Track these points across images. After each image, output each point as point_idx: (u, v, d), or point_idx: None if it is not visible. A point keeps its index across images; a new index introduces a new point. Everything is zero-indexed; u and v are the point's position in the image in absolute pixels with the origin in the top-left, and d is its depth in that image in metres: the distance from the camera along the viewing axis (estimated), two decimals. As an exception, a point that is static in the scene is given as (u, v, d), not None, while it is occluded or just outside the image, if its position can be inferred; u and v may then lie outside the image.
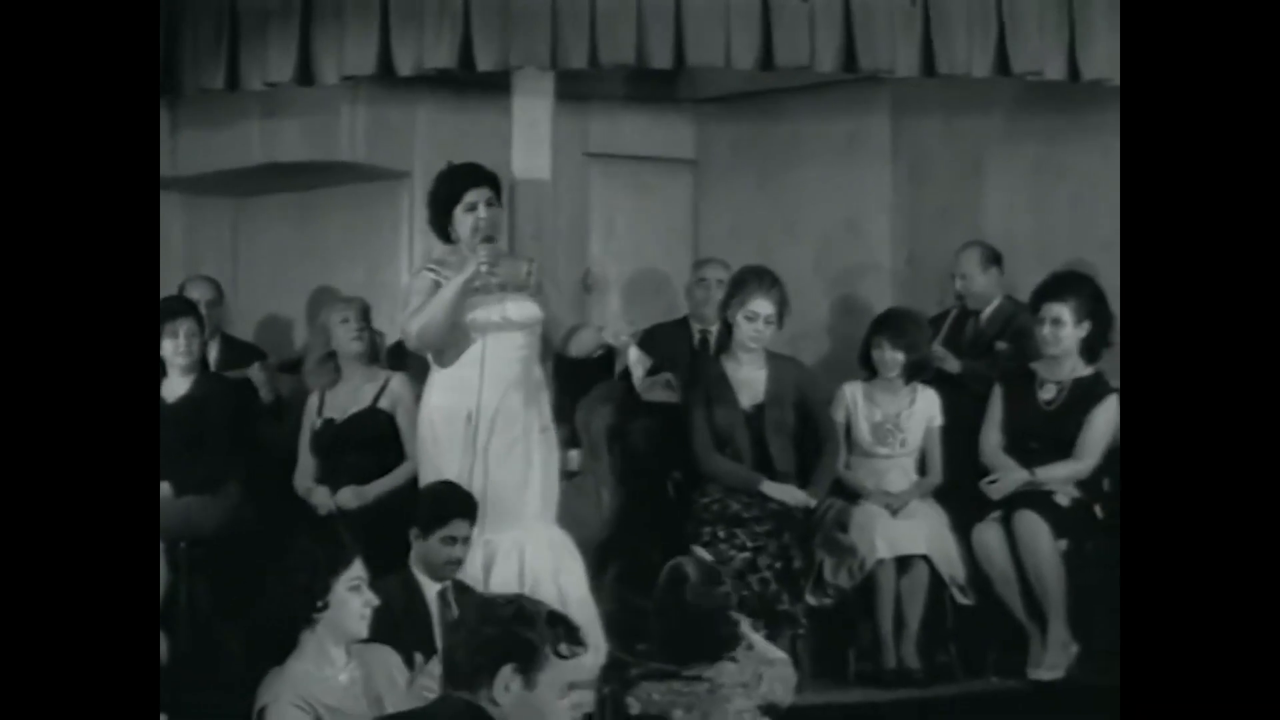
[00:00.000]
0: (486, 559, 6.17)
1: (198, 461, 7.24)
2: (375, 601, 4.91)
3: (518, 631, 3.56)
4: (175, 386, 7.39)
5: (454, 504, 5.97)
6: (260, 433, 7.80)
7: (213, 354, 8.10)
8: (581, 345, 6.70)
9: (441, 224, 6.58)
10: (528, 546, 6.24)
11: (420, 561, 5.91)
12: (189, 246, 9.22)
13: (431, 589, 5.88)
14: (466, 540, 5.93)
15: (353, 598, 4.92)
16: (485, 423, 6.37)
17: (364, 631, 4.83)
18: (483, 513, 6.11)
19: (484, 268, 6.39)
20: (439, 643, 5.56)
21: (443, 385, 6.51)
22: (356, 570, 4.99)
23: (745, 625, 5.25)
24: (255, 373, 8.00)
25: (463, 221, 6.49)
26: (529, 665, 3.55)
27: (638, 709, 4.79)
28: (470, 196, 6.49)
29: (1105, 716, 3.67)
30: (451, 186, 6.56)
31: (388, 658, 4.88)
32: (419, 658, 5.03)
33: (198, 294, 8.03)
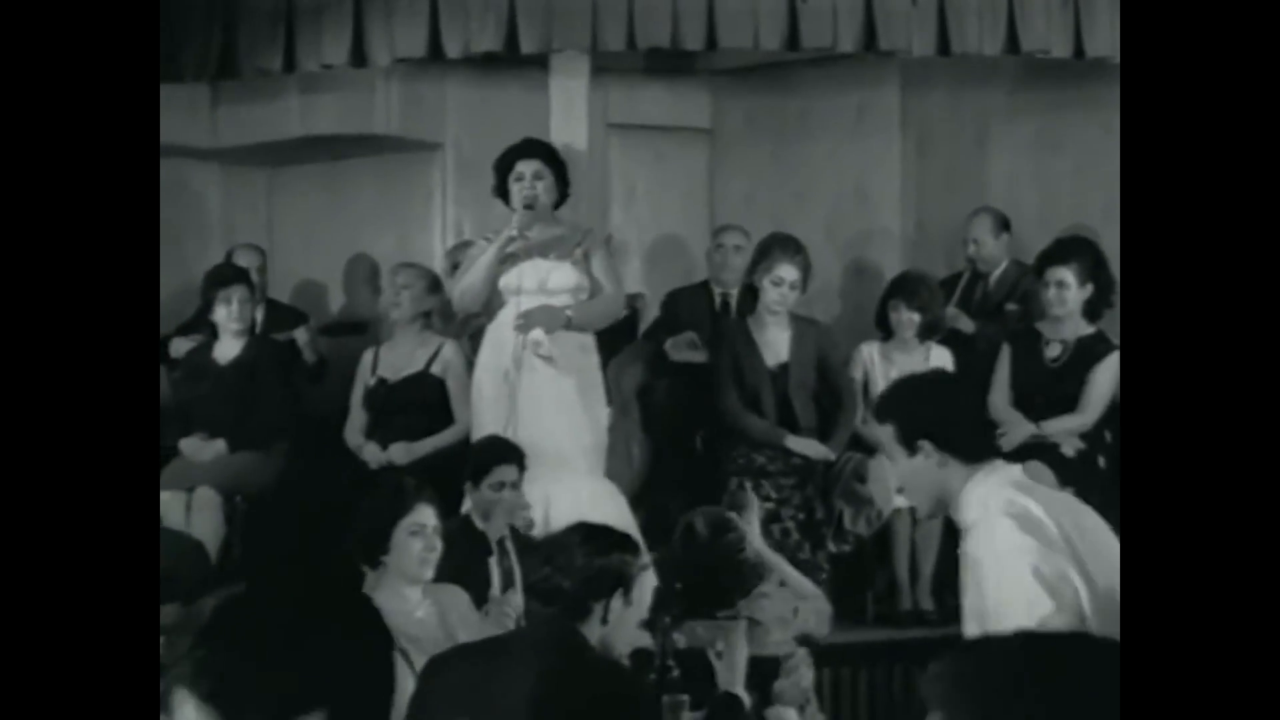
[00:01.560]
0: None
1: (250, 420, 7.64)
2: (438, 546, 5.28)
3: (624, 558, 3.99)
4: (227, 349, 7.79)
5: (498, 451, 6.30)
6: (305, 392, 8.21)
7: (258, 318, 8.47)
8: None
9: (501, 192, 6.99)
10: (554, 499, 6.54)
11: (478, 511, 6.23)
12: (226, 215, 9.54)
13: (491, 538, 6.18)
14: (515, 485, 6.22)
15: (413, 542, 5.29)
16: (516, 381, 6.75)
17: (428, 574, 5.16)
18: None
19: (514, 233, 6.82)
20: (496, 586, 5.96)
21: (488, 344, 6.93)
22: (417, 516, 5.35)
23: (783, 563, 5.63)
24: (300, 335, 8.39)
25: (513, 190, 6.90)
26: (630, 587, 3.99)
27: (683, 643, 5.17)
28: (520, 167, 6.90)
29: (1105, 657, 4.01)
30: (506, 157, 6.98)
31: (458, 596, 5.25)
32: (493, 591, 5.40)
33: (246, 261, 8.38)
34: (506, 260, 6.86)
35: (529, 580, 4.10)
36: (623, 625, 4.01)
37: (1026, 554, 3.78)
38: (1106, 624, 3.62)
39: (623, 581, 3.99)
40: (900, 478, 4.14)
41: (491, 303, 7.02)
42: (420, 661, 4.86)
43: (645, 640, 4.71)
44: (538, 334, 6.74)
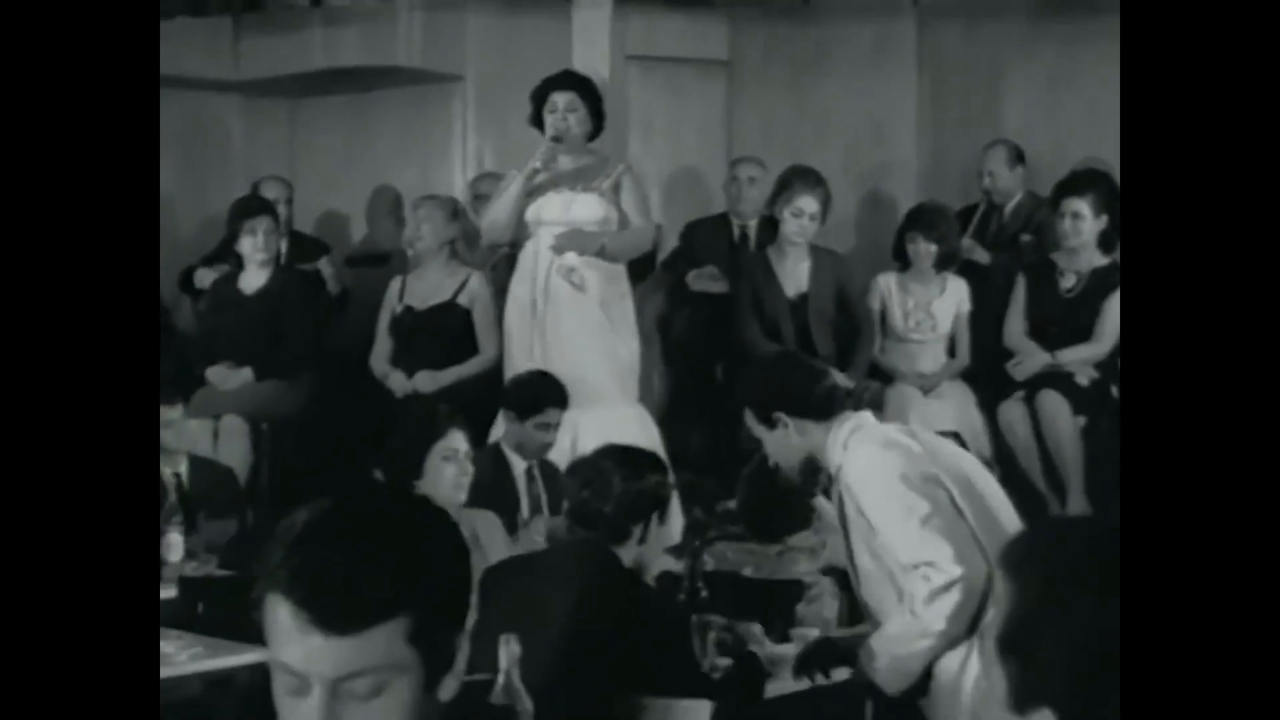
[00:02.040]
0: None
1: (276, 349, 7.77)
2: (470, 470, 5.41)
3: (659, 480, 4.13)
4: (253, 280, 7.90)
5: (549, 393, 6.40)
6: (329, 322, 8.33)
7: (283, 249, 8.56)
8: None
9: (537, 121, 7.11)
10: (583, 427, 6.65)
11: (513, 443, 6.35)
12: (248, 147, 9.64)
13: (519, 467, 6.34)
14: (557, 426, 6.36)
15: (446, 467, 5.42)
16: (544, 311, 6.89)
17: (461, 498, 5.29)
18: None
19: (537, 165, 6.94)
20: (525, 512, 6.10)
21: (517, 275, 7.05)
22: (450, 441, 5.48)
23: (819, 497, 5.76)
24: (324, 265, 8.51)
25: (547, 121, 7.00)
26: (666, 510, 4.13)
27: (711, 565, 5.31)
28: (554, 98, 7.01)
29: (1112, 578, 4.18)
30: (541, 89, 7.09)
31: (491, 521, 5.39)
32: (522, 515, 5.53)
33: (272, 193, 8.47)
34: (534, 192, 6.97)
35: (569, 504, 4.20)
36: (656, 544, 4.16)
37: (892, 466, 4.25)
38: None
39: (659, 504, 4.13)
40: (770, 452, 4.51)
41: (519, 234, 7.13)
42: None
43: (672, 563, 4.83)
44: (570, 258, 6.86)
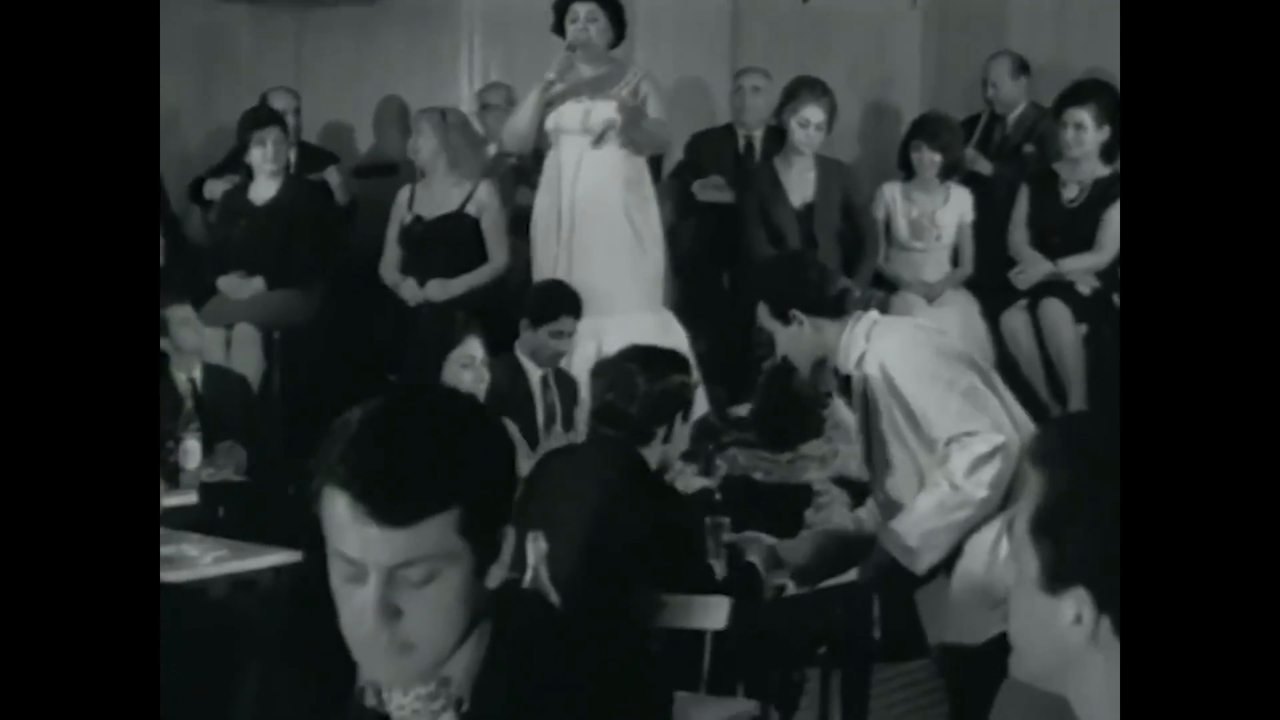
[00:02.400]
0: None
1: (287, 258, 7.85)
2: (486, 377, 5.53)
3: (683, 380, 4.24)
4: (263, 190, 7.97)
5: (563, 301, 6.52)
6: (338, 232, 8.41)
7: (292, 159, 8.62)
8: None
9: (559, 29, 7.18)
10: (608, 333, 6.72)
11: (528, 350, 6.45)
12: (255, 57, 9.63)
13: (535, 374, 6.45)
14: (572, 334, 6.49)
15: (464, 373, 5.55)
16: (569, 220, 6.97)
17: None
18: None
19: (551, 76, 7.01)
20: (540, 419, 6.22)
21: (543, 185, 7.13)
22: (468, 349, 5.60)
23: (842, 406, 5.86)
24: (332, 176, 8.58)
25: (568, 30, 7.06)
26: (690, 409, 4.25)
27: (724, 470, 5.44)
28: (575, 8, 7.06)
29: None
30: None
31: (509, 427, 5.50)
32: (539, 423, 5.64)
33: (280, 104, 8.51)
34: (555, 101, 7.04)
35: (594, 404, 4.31)
36: (679, 442, 4.27)
37: (926, 343, 4.44)
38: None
39: (683, 404, 4.23)
40: (781, 346, 4.57)
41: (542, 144, 7.21)
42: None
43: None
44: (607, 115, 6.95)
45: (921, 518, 4.27)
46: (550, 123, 7.11)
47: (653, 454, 4.18)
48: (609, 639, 2.26)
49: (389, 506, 2.01)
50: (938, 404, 4.22)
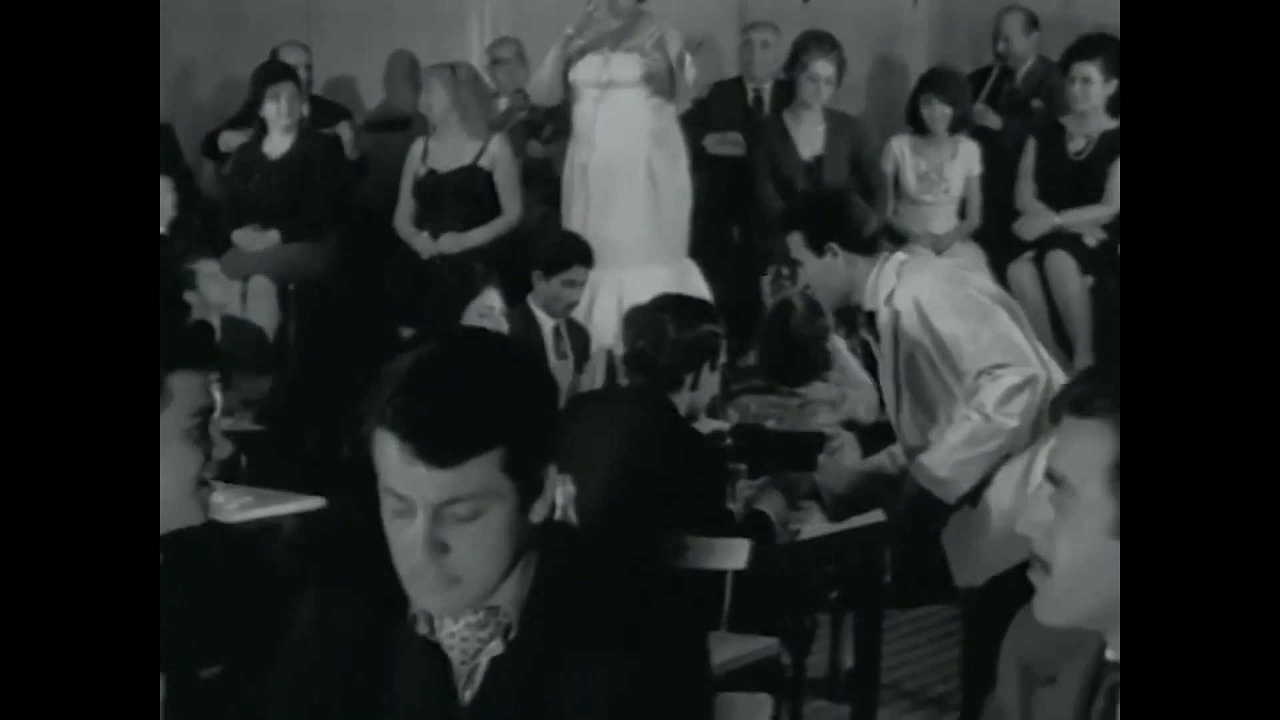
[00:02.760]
0: (590, 294, 6.83)
1: (302, 211, 7.94)
2: (504, 326, 5.64)
3: (711, 329, 4.34)
4: (277, 144, 8.06)
5: (574, 251, 6.61)
6: (351, 185, 8.49)
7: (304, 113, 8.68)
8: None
9: None
10: (630, 285, 6.82)
11: (541, 301, 6.54)
12: (266, 12, 9.67)
13: (547, 325, 6.54)
14: (583, 284, 6.57)
15: (482, 324, 5.67)
16: (596, 172, 7.06)
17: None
18: (596, 249, 6.79)
19: (570, 32, 7.08)
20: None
21: (573, 139, 7.22)
22: (487, 299, 5.71)
23: (844, 350, 5.97)
24: (344, 130, 8.65)
25: None
26: (717, 357, 4.34)
27: (735, 418, 5.54)
28: None
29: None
30: None
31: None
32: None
33: (292, 59, 8.57)
34: (579, 53, 7.10)
35: (625, 351, 4.42)
36: (707, 389, 4.37)
37: (961, 279, 4.50)
38: None
39: (711, 352, 4.33)
40: (810, 277, 4.62)
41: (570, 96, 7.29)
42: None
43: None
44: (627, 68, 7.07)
45: (953, 449, 4.33)
46: (574, 75, 7.18)
47: (681, 401, 4.28)
48: (649, 572, 2.36)
49: (435, 448, 2.10)
50: (971, 336, 4.29)
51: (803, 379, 5.72)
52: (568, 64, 7.20)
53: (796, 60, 7.79)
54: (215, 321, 6.81)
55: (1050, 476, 1.97)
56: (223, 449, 2.68)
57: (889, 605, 5.56)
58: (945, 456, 4.35)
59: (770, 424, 5.62)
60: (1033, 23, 8.43)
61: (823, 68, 7.71)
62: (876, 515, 4.74)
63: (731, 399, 5.57)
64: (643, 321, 4.39)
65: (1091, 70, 7.63)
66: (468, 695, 2.24)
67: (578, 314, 6.75)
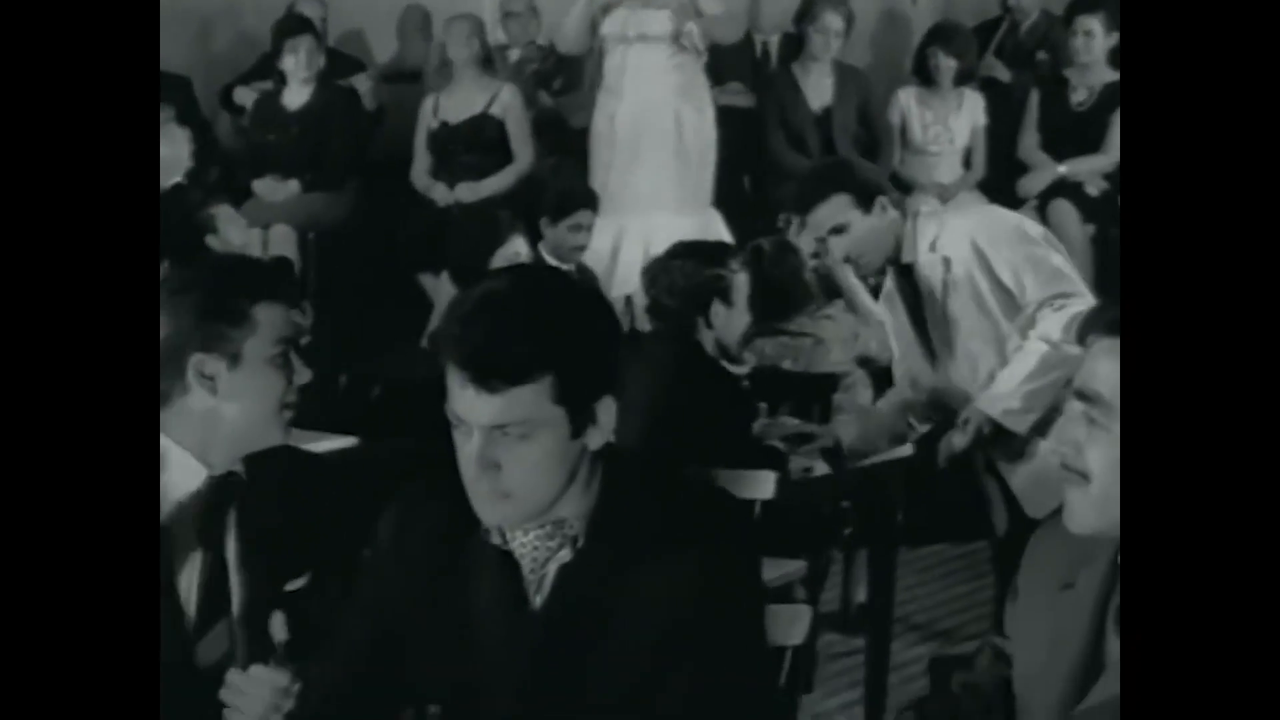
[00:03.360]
0: (615, 242, 7.01)
1: (321, 161, 8.10)
2: None
3: (717, 271, 4.52)
4: (296, 96, 8.20)
5: (578, 196, 6.73)
6: (368, 135, 8.64)
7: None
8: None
9: None
10: (655, 231, 6.98)
11: (550, 247, 6.66)
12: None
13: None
14: (589, 228, 6.68)
15: None
16: (623, 123, 7.23)
17: None
18: (621, 201, 7.00)
19: None
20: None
21: (602, 89, 7.38)
22: (513, 246, 5.88)
23: (858, 288, 6.13)
24: (361, 82, 8.80)
25: None
26: (728, 293, 4.53)
27: (753, 361, 5.71)
28: None
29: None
30: None
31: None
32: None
33: (310, 12, 8.71)
34: (605, 9, 7.24)
35: (647, 301, 4.60)
36: (730, 325, 4.56)
37: (1014, 216, 4.67)
38: None
39: (718, 290, 4.51)
40: (858, 237, 4.62)
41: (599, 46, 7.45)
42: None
43: None
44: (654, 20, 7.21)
45: (1023, 379, 4.41)
46: (605, 29, 7.32)
47: (706, 340, 4.47)
48: (704, 489, 2.57)
49: (484, 375, 2.29)
50: (1034, 268, 4.39)
51: (789, 314, 5.87)
52: (595, 16, 7.33)
53: (806, 14, 7.96)
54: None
55: (1082, 395, 2.12)
56: (302, 375, 2.83)
57: (901, 543, 5.72)
58: (1016, 387, 4.42)
59: (786, 364, 5.80)
60: None
61: (832, 21, 7.89)
62: (899, 450, 4.90)
63: (747, 343, 5.75)
64: (656, 270, 4.57)
65: (1094, 23, 7.81)
66: (538, 600, 2.44)
67: (602, 263, 6.91)
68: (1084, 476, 2.12)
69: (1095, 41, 7.83)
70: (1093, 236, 7.78)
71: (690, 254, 4.63)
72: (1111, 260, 7.68)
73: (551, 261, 6.68)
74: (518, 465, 2.34)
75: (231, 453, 2.84)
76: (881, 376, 6.02)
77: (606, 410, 2.41)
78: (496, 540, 2.44)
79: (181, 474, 2.81)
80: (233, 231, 6.98)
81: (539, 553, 2.43)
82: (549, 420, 2.33)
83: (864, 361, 5.89)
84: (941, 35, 8.09)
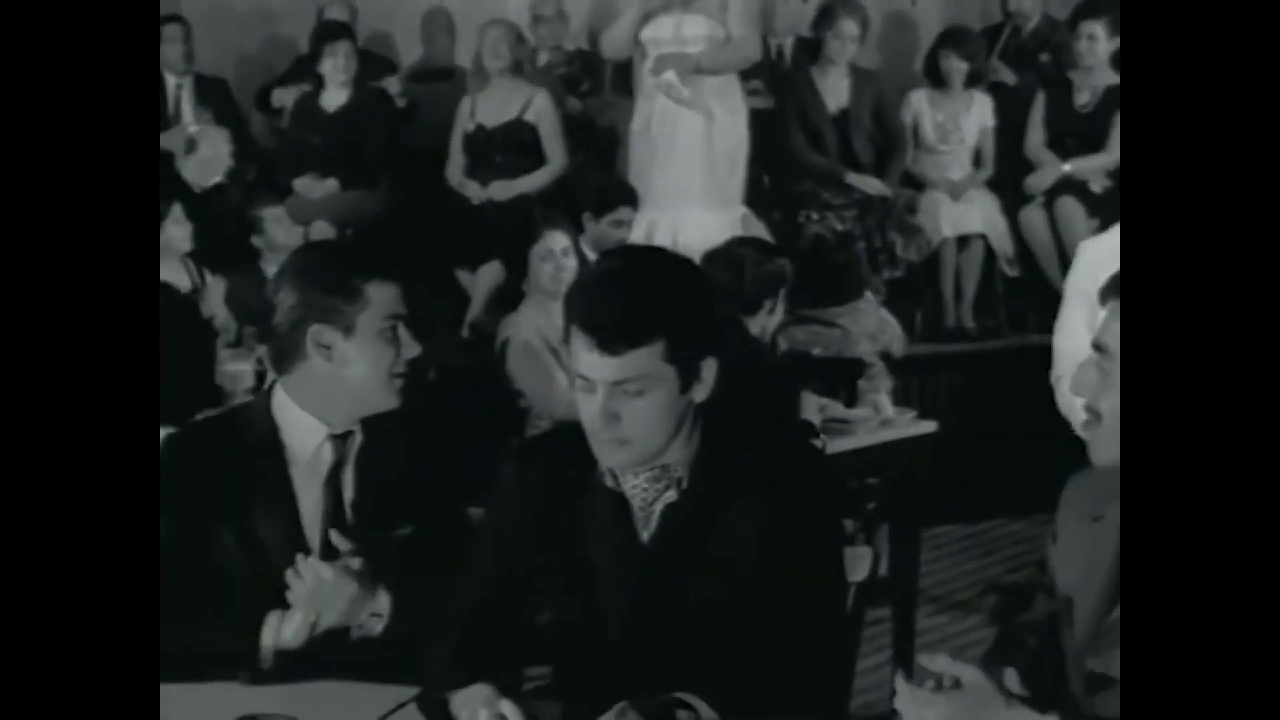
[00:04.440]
0: (647, 235, 7.32)
1: (358, 160, 8.42)
2: (567, 265, 6.17)
3: (783, 264, 4.91)
4: (333, 98, 8.52)
5: (620, 193, 7.12)
6: (402, 134, 8.97)
7: (355, 68, 9.10)
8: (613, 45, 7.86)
9: None
10: (684, 225, 7.34)
11: (590, 240, 6.98)
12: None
13: None
14: (629, 224, 7.04)
15: (545, 265, 6.21)
16: (659, 123, 7.58)
17: (561, 289, 6.05)
18: (654, 196, 7.36)
19: None
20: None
21: (640, 93, 7.73)
22: (546, 242, 6.24)
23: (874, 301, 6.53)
24: (391, 83, 9.14)
25: None
26: (787, 289, 4.92)
27: (785, 346, 6.09)
28: None
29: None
30: None
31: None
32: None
33: (338, 15, 9.00)
34: (651, 14, 7.56)
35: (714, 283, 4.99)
36: (777, 316, 4.95)
37: None
38: None
39: (785, 281, 4.91)
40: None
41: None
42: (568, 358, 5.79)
43: None
44: (669, 76, 7.50)
45: None
46: (646, 34, 7.61)
47: (756, 323, 4.86)
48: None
49: (608, 339, 2.68)
50: None
51: (838, 300, 6.24)
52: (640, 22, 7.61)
53: (824, 19, 8.30)
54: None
55: (1097, 347, 2.46)
56: (411, 349, 3.17)
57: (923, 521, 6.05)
58: None
59: (816, 351, 6.17)
60: None
61: (849, 27, 8.23)
62: (924, 426, 5.27)
63: (781, 329, 6.11)
64: (727, 256, 4.96)
65: (1097, 28, 8.12)
66: (645, 535, 2.82)
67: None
68: (1097, 415, 2.47)
69: (1098, 45, 8.13)
70: (1096, 231, 8.04)
71: (756, 245, 5.02)
72: (1115, 253, 7.98)
73: (591, 255, 7.04)
74: (635, 416, 2.71)
75: (349, 414, 3.19)
76: (898, 370, 6.42)
77: (709, 369, 2.78)
78: (610, 483, 2.82)
79: (302, 431, 3.19)
80: (278, 231, 7.32)
81: (647, 494, 2.81)
82: (661, 377, 2.70)
83: (884, 355, 6.28)
84: (953, 39, 8.43)
